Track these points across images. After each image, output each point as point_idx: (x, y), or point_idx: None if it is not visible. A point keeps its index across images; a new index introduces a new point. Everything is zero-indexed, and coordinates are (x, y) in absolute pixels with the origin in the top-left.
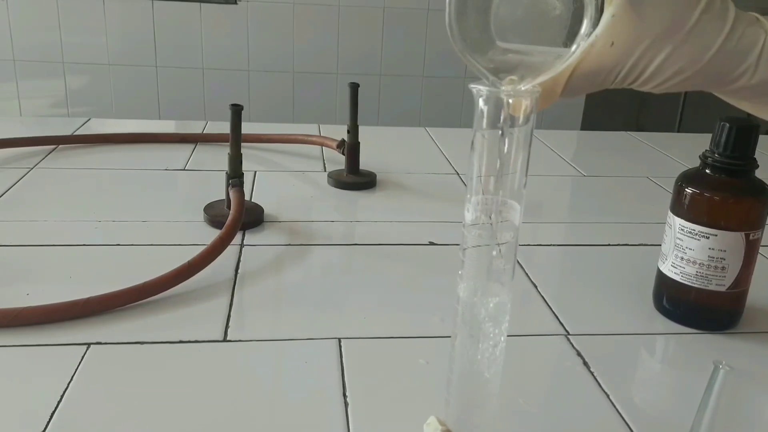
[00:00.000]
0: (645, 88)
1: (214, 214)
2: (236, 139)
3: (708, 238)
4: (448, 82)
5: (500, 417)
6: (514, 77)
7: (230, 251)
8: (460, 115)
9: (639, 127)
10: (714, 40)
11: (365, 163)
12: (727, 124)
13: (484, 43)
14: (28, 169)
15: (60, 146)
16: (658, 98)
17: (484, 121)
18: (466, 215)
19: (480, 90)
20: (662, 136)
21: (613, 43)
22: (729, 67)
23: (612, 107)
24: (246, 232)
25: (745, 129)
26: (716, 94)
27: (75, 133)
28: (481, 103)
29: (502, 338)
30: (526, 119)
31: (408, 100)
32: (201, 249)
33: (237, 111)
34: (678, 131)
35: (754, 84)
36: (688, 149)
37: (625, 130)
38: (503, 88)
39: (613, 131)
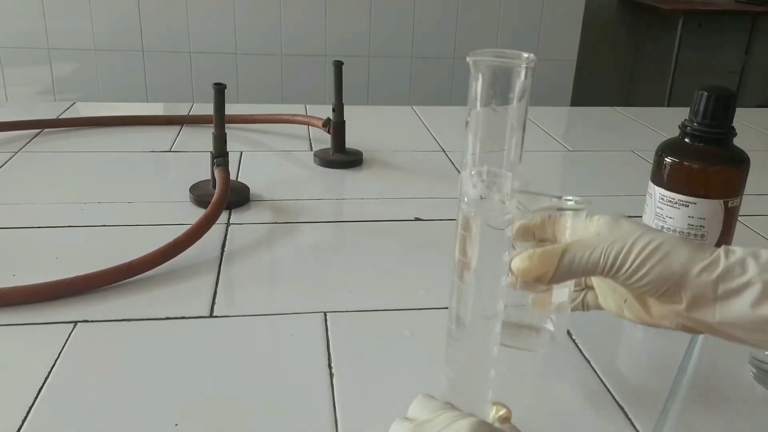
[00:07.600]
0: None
1: (199, 194)
2: (220, 118)
3: (687, 206)
4: (437, 62)
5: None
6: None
7: (216, 230)
8: (450, 94)
9: (628, 103)
10: None
11: (352, 142)
12: (705, 93)
13: None
14: (14, 153)
15: (45, 130)
16: (648, 76)
17: (479, 95)
18: (469, 190)
19: (477, 62)
20: (648, 111)
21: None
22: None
23: (602, 84)
24: (232, 211)
25: (722, 97)
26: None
27: (60, 117)
28: (477, 75)
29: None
30: (521, 94)
31: (397, 80)
32: (187, 228)
33: (220, 90)
34: (668, 107)
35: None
36: (673, 123)
37: (614, 106)
38: (500, 59)
39: (602, 107)
